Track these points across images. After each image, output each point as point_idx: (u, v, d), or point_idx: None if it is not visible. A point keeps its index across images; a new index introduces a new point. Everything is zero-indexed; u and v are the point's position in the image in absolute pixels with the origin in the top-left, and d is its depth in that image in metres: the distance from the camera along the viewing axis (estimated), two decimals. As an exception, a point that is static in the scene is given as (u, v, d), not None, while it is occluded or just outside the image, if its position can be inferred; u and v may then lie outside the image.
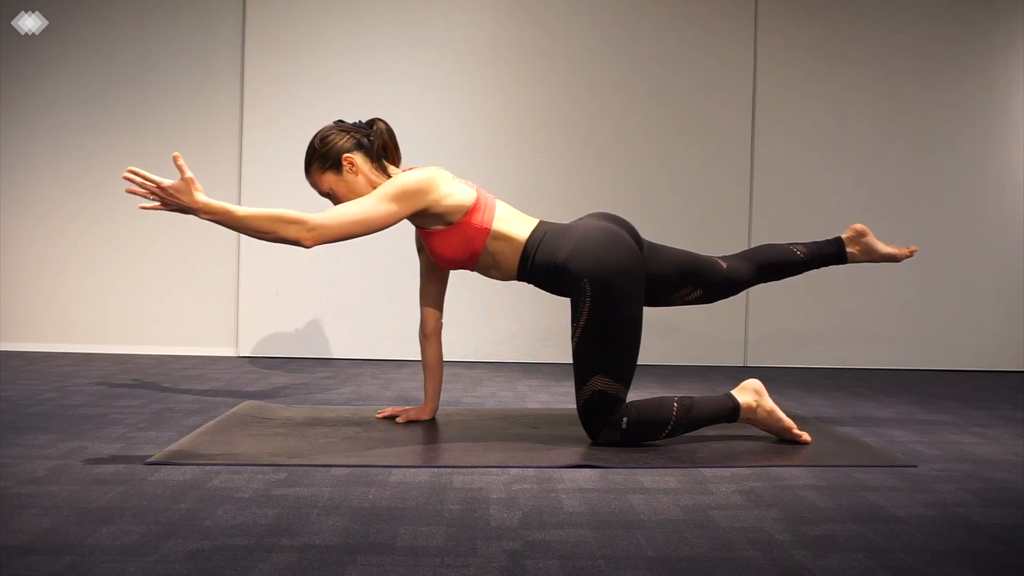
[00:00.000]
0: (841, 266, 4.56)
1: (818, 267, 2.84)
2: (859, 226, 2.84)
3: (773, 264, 2.79)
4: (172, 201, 2.17)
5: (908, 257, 2.89)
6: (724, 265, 2.72)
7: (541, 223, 2.61)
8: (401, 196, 2.44)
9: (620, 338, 2.43)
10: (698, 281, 2.67)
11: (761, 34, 4.64)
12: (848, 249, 2.84)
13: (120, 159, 4.57)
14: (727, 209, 4.62)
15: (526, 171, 4.54)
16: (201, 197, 2.18)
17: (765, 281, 2.82)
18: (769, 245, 2.84)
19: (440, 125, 4.53)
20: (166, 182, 2.15)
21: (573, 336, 2.45)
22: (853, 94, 4.68)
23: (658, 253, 2.64)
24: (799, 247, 2.81)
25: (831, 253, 2.83)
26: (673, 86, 4.62)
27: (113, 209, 4.56)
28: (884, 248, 2.87)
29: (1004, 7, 4.73)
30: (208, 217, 2.19)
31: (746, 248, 2.87)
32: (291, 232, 2.26)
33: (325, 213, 2.35)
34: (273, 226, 2.25)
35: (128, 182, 2.15)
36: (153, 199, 2.18)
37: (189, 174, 2.15)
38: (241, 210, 2.23)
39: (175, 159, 2.17)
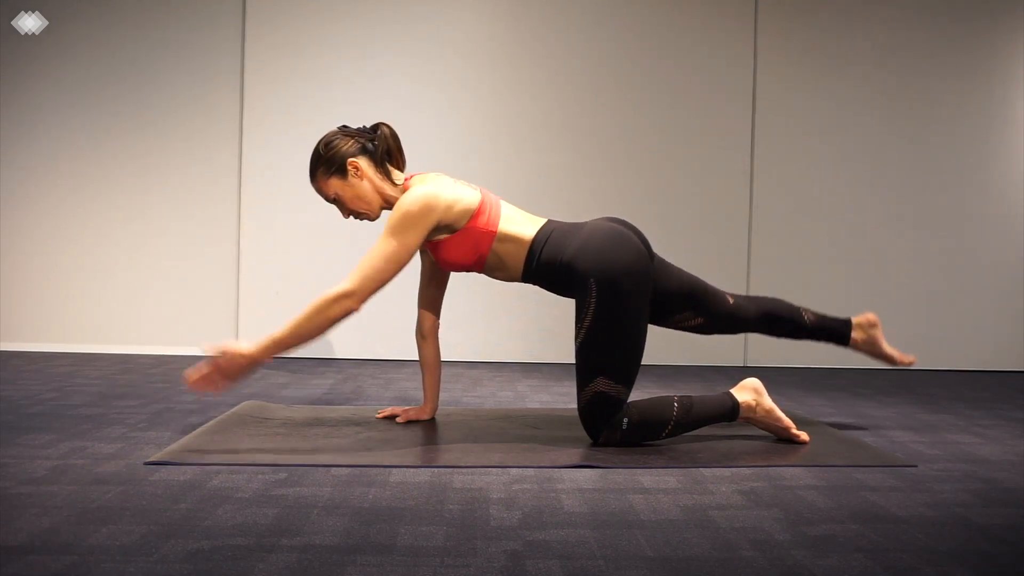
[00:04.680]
0: (841, 265, 4.55)
1: (819, 339, 2.81)
2: (872, 316, 2.82)
3: (777, 318, 2.76)
4: (232, 371, 2.32)
5: (906, 366, 2.86)
6: (731, 300, 2.71)
7: (549, 222, 2.60)
8: (410, 225, 2.44)
9: (624, 340, 2.43)
10: (701, 308, 2.66)
11: (761, 34, 4.64)
12: (853, 334, 2.82)
13: (120, 159, 4.57)
14: (727, 209, 4.62)
15: (527, 170, 4.54)
16: (249, 348, 2.32)
17: (763, 331, 2.78)
18: (780, 300, 2.80)
19: (441, 125, 4.53)
20: (214, 360, 2.31)
21: (576, 337, 2.44)
22: (853, 94, 4.68)
23: (667, 269, 2.62)
24: (808, 313, 2.78)
25: (836, 331, 2.80)
26: (674, 86, 4.62)
27: (113, 209, 4.56)
28: (886, 348, 2.84)
29: (1004, 7, 4.73)
30: (267, 357, 2.33)
31: (759, 296, 2.85)
32: (338, 310, 2.36)
33: (352, 274, 2.39)
34: (321, 318, 2.35)
35: (194, 389, 2.33)
36: (218, 389, 2.35)
37: (222, 345, 2.31)
38: (285, 329, 2.35)
39: (203, 349, 2.35)
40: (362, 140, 2.62)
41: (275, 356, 2.34)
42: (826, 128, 4.68)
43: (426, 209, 2.45)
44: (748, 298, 2.77)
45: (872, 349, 2.84)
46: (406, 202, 2.47)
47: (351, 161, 2.58)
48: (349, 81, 4.52)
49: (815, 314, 2.80)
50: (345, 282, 2.37)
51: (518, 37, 4.60)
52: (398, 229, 2.43)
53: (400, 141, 2.70)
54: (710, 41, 4.63)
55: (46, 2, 4.52)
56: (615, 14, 4.62)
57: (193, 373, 2.31)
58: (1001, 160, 4.74)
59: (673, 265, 2.67)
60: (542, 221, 2.61)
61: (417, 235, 2.45)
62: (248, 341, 2.34)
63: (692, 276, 2.68)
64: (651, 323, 2.63)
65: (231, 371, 2.32)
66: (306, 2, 4.54)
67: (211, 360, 2.30)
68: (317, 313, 2.34)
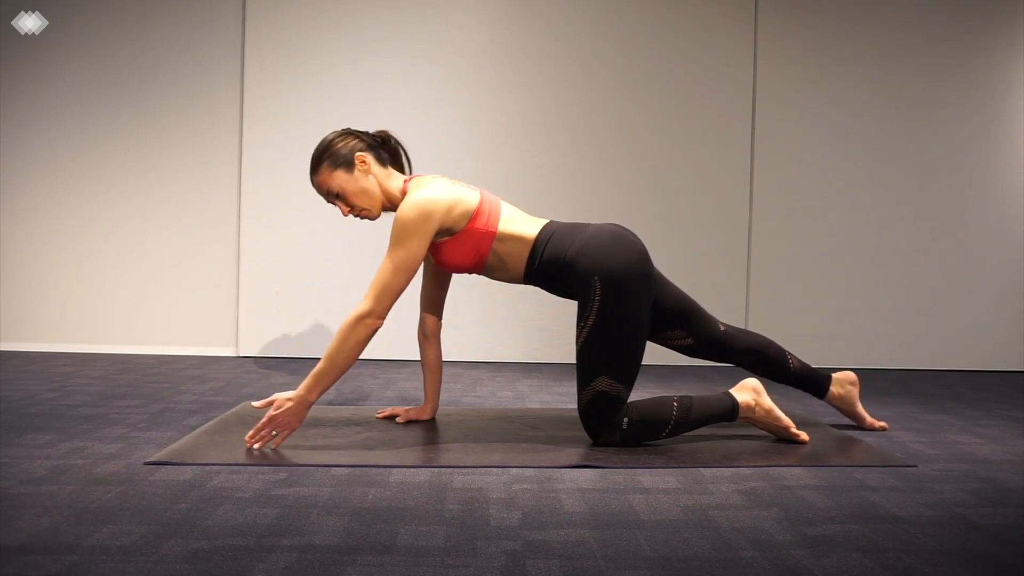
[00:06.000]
0: (841, 265, 4.56)
1: (798, 386, 2.82)
2: (852, 375, 2.85)
3: (763, 358, 2.76)
4: (287, 422, 2.37)
5: (876, 430, 2.85)
6: (722, 328, 2.73)
7: (550, 223, 2.60)
8: (412, 233, 2.44)
9: (626, 339, 2.43)
10: (692, 329, 2.68)
11: (761, 33, 4.64)
12: (832, 388, 2.83)
13: (120, 159, 4.57)
14: (728, 208, 4.62)
15: (527, 171, 4.54)
16: (294, 395, 2.36)
17: (747, 366, 2.78)
18: (771, 341, 2.81)
19: (441, 125, 4.53)
20: (269, 415, 2.36)
21: (578, 336, 2.45)
22: (853, 94, 4.68)
23: (665, 285, 2.65)
24: (794, 360, 2.80)
25: (815, 382, 2.82)
26: (674, 86, 4.62)
27: (113, 209, 4.56)
28: (860, 409, 2.86)
29: (1004, 7, 4.74)
30: (314, 395, 2.37)
31: (750, 331, 2.86)
32: (364, 331, 2.39)
33: (370, 292, 2.41)
34: (350, 343, 2.38)
35: (256, 448, 2.35)
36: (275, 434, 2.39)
37: (270, 398, 2.37)
38: (321, 363, 2.38)
39: (253, 407, 2.42)
40: (368, 139, 2.64)
41: (322, 391, 2.38)
42: (826, 128, 4.68)
43: (424, 216, 2.45)
44: (740, 330, 2.78)
45: (846, 406, 2.86)
46: (404, 212, 2.47)
47: (359, 155, 2.58)
48: (349, 81, 4.52)
49: (800, 362, 2.81)
50: (363, 303, 2.40)
51: (518, 37, 4.60)
52: (401, 239, 2.44)
53: (406, 150, 2.72)
54: (710, 41, 4.63)
55: (46, 2, 4.52)
56: (615, 14, 4.62)
57: (253, 434, 2.35)
58: (1001, 160, 4.74)
59: (670, 282, 2.69)
60: (543, 221, 2.61)
61: (421, 242, 2.45)
62: (290, 391, 2.39)
63: (688, 296, 2.72)
64: None
65: (287, 419, 2.36)
66: (306, 2, 4.54)
67: (267, 416, 2.35)
68: (345, 339, 2.37)
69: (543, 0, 4.61)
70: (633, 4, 4.63)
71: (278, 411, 2.34)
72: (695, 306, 2.70)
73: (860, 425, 2.87)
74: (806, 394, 3.09)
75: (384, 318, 2.42)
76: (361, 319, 2.38)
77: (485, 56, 4.58)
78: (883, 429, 2.86)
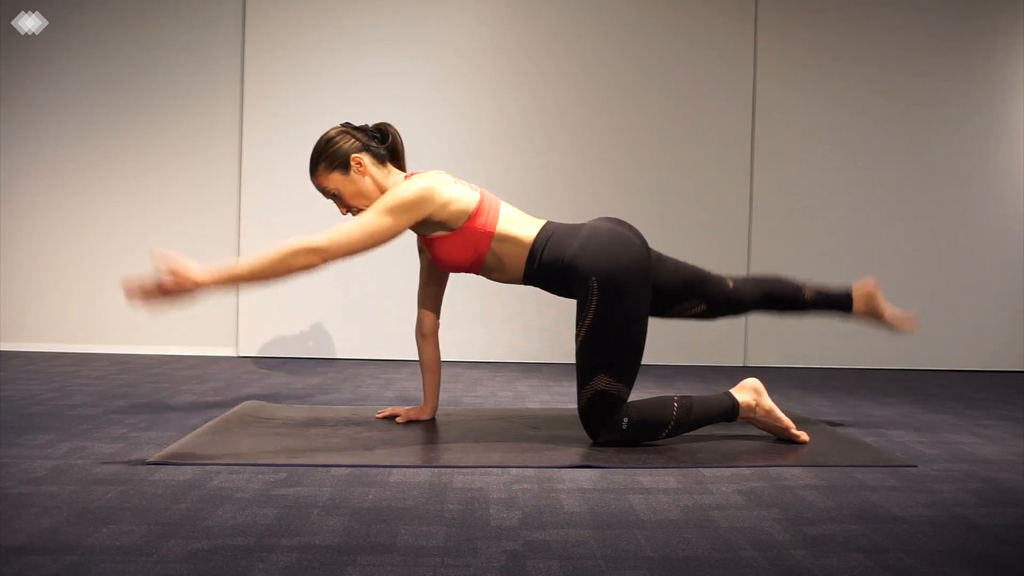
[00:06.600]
0: (841, 265, 4.56)
1: (822, 313, 2.81)
2: (871, 282, 2.80)
3: (777, 297, 2.76)
4: (177, 294, 2.19)
5: (909, 330, 2.85)
6: (730, 284, 2.71)
7: (548, 223, 2.60)
8: (399, 209, 2.44)
9: (625, 338, 2.43)
10: (702, 295, 2.66)
11: (761, 33, 4.64)
12: (855, 305, 2.80)
13: (120, 159, 4.57)
14: (728, 208, 4.62)
15: (527, 171, 4.54)
16: (199, 274, 2.20)
17: (765, 312, 2.78)
18: (780, 278, 2.80)
19: (440, 125, 4.53)
20: (160, 278, 2.18)
21: (577, 335, 2.45)
22: (853, 94, 4.68)
23: (665, 263, 2.62)
24: (808, 291, 2.77)
25: (837, 303, 2.79)
26: (674, 86, 4.62)
27: (113, 208, 4.56)
28: (889, 313, 2.81)
29: (1004, 7, 4.74)
30: (217, 287, 2.23)
31: (757, 275, 2.84)
32: (303, 262, 2.31)
33: (329, 233, 2.36)
34: (285, 265, 2.30)
35: (133, 302, 2.21)
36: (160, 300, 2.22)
37: (173, 264, 2.18)
38: (243, 266, 2.27)
39: (153, 253, 2.22)
40: (365, 138, 2.63)
41: (223, 287, 2.24)
42: (826, 128, 4.68)
43: (421, 199, 2.46)
44: (748, 279, 2.77)
45: (875, 314, 2.81)
46: (405, 186, 2.49)
47: (354, 157, 2.59)
48: (349, 81, 4.52)
49: (814, 289, 2.79)
50: (319, 237, 2.34)
51: (518, 37, 4.60)
52: (389, 210, 2.44)
53: (403, 142, 2.71)
54: (710, 41, 4.63)
55: (46, 2, 4.52)
56: (615, 14, 4.62)
57: (133, 282, 2.17)
58: (1001, 160, 4.74)
59: (670, 257, 2.67)
60: (541, 223, 2.61)
61: (404, 220, 2.45)
62: (201, 267, 2.20)
63: (690, 265, 2.69)
64: (656, 315, 2.64)
65: (175, 294, 2.19)
66: (306, 2, 4.54)
67: (158, 278, 2.17)
68: (281, 259, 2.29)
69: (543, 0, 4.61)
70: (633, 4, 4.63)
71: (173, 283, 2.17)
72: (701, 273, 2.68)
73: (897, 329, 2.83)
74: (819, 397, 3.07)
75: (326, 264, 2.35)
76: (308, 252, 2.31)
77: (485, 56, 4.58)
78: (915, 323, 2.83)
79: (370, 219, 2.42)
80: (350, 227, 2.40)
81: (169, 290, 2.19)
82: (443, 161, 4.29)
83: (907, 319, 2.85)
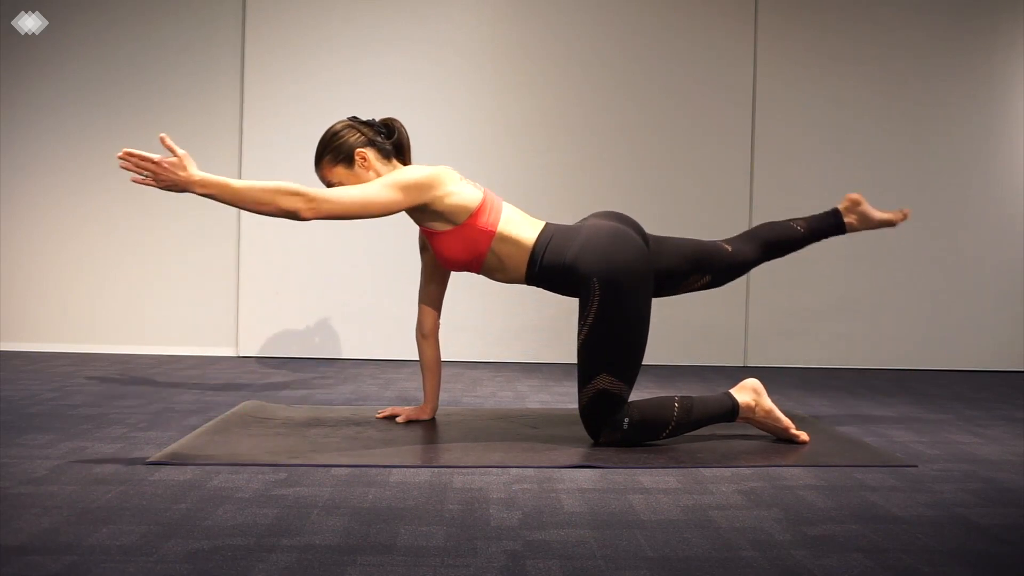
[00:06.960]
0: (841, 265, 4.57)
1: (819, 240, 2.86)
2: (853, 195, 2.87)
3: (775, 243, 2.81)
4: (166, 177, 2.18)
5: (903, 220, 2.90)
6: (729, 248, 2.74)
7: (548, 225, 2.60)
8: (405, 187, 2.45)
9: (627, 337, 2.43)
10: (706, 267, 2.68)
11: (761, 33, 4.64)
12: (845, 219, 2.86)
13: (120, 159, 4.57)
14: (728, 208, 4.62)
15: (527, 170, 4.54)
16: (196, 172, 2.19)
17: (770, 259, 2.83)
18: (769, 224, 2.86)
19: (441, 124, 4.53)
20: (160, 158, 2.17)
21: (579, 335, 2.45)
22: (853, 94, 4.68)
23: (664, 245, 2.64)
24: (799, 223, 2.85)
25: (830, 225, 2.86)
26: (674, 86, 4.62)
27: (113, 209, 4.56)
28: (879, 215, 2.88)
29: (1004, 7, 4.73)
30: (204, 191, 2.20)
31: (746, 230, 2.89)
32: (289, 203, 2.27)
33: (327, 193, 2.35)
34: (272, 197, 2.25)
35: (123, 161, 2.17)
36: (146, 175, 2.19)
37: (181, 151, 2.17)
38: (238, 183, 2.25)
39: (162, 140, 2.19)
40: (371, 132, 2.64)
41: (209, 195, 2.20)
42: (826, 128, 4.68)
43: (427, 182, 2.47)
44: (741, 238, 2.81)
45: (867, 224, 2.88)
46: (414, 167, 2.52)
47: (359, 151, 2.59)
48: (349, 81, 4.52)
49: (804, 220, 2.86)
50: (312, 191, 2.30)
51: (518, 37, 4.60)
52: (394, 184, 2.43)
53: (408, 139, 2.72)
54: (710, 41, 4.63)
55: (46, 2, 4.52)
56: (615, 14, 4.62)
57: (132, 155, 2.16)
58: (1001, 160, 4.74)
59: (665, 237, 2.69)
60: (542, 224, 2.61)
61: (402, 198, 2.44)
62: (197, 168, 2.19)
63: (687, 240, 2.71)
64: (664, 294, 2.67)
65: (164, 179, 2.17)
66: (306, 2, 4.54)
67: (159, 160, 2.16)
68: (270, 192, 2.25)
69: (543, 0, 4.61)
70: (633, 4, 4.63)
71: (173, 167, 2.16)
72: (700, 246, 2.70)
73: (892, 224, 2.88)
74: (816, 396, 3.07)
75: (312, 218, 2.30)
76: (297, 197, 2.27)
77: (485, 56, 4.58)
78: (906, 216, 2.88)
79: (373, 189, 2.42)
80: (348, 191, 2.39)
81: (162, 172, 2.17)
82: (443, 161, 4.26)
83: (898, 213, 2.89)
